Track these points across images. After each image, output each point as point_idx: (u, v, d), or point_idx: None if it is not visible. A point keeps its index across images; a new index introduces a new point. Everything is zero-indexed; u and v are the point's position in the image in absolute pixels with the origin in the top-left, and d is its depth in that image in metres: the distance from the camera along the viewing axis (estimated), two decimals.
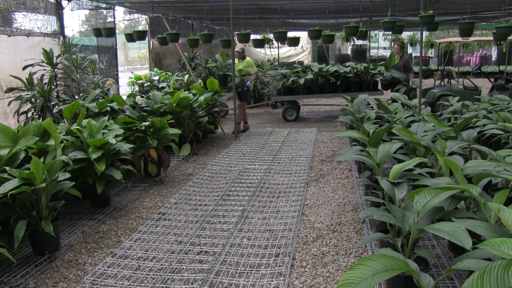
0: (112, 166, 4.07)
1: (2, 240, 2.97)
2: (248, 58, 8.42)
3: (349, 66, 9.39)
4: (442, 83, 9.94)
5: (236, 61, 8.03)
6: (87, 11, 10.17)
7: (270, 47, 12.17)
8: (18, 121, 5.36)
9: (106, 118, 4.46)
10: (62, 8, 7.18)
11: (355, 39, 15.98)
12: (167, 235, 3.60)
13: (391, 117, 5.23)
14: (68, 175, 3.41)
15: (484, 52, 22.97)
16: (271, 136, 7.62)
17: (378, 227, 3.14)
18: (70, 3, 7.42)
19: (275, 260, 3.12)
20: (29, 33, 6.32)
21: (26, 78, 5.56)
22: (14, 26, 6.18)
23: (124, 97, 6.23)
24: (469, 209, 2.86)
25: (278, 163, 5.81)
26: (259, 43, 9.00)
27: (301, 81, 8.70)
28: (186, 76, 9.31)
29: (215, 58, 10.79)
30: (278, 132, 8.05)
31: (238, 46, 8.48)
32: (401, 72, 8.62)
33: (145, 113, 5.41)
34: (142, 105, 5.84)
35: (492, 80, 10.48)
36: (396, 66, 8.79)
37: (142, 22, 14.83)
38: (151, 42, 11.03)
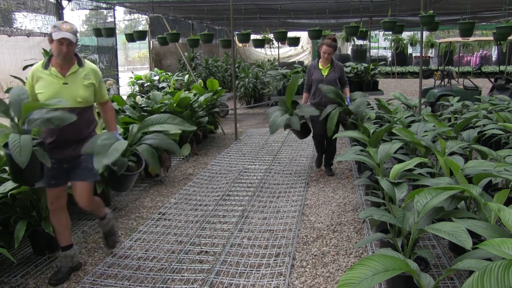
0: None
1: (2, 240, 2.97)
2: (90, 65, 2.97)
3: (349, 66, 9.41)
4: (442, 83, 9.94)
5: (51, 70, 2.79)
6: (87, 11, 10.19)
7: (270, 47, 12.20)
8: None
9: None
10: (62, 8, 7.18)
11: (355, 39, 16.02)
12: (167, 235, 3.60)
13: (391, 117, 5.23)
14: None
15: (484, 52, 22.99)
16: (271, 136, 7.62)
17: (378, 227, 3.14)
18: (70, 3, 7.43)
19: (275, 260, 3.12)
20: (29, 33, 6.32)
21: (27, 78, 5.55)
22: (14, 26, 6.18)
23: (124, 97, 6.22)
24: (469, 209, 2.85)
25: (278, 163, 5.81)
26: (259, 43, 9.00)
27: (301, 81, 8.69)
28: (186, 76, 9.32)
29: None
30: (278, 132, 8.05)
31: (62, 27, 2.70)
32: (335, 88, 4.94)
33: (146, 113, 5.41)
34: (142, 105, 5.84)
35: (492, 80, 10.48)
36: (328, 79, 4.99)
37: (142, 22, 14.85)
38: (151, 42, 11.04)
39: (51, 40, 2.73)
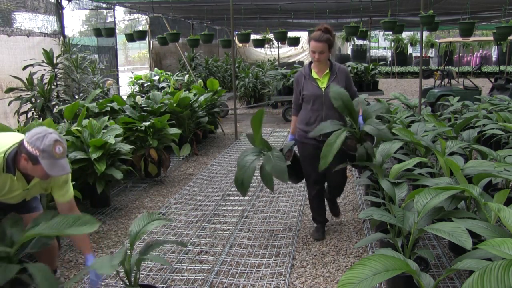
0: (112, 166, 4.07)
1: None
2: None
3: (349, 66, 9.41)
4: (442, 83, 9.94)
5: (18, 176, 2.26)
6: (87, 11, 10.19)
7: (270, 47, 12.20)
8: (18, 121, 5.35)
9: (106, 118, 4.46)
10: (62, 8, 7.18)
11: (355, 39, 16.01)
12: (167, 235, 3.59)
13: (391, 117, 5.23)
14: None
15: (484, 52, 22.98)
16: (272, 136, 7.62)
17: (378, 227, 3.14)
18: (70, 3, 7.42)
19: (276, 260, 3.12)
20: (29, 33, 6.32)
21: (26, 78, 5.55)
22: (14, 26, 6.18)
23: (124, 97, 6.22)
24: (469, 209, 2.85)
25: None
26: (259, 43, 9.00)
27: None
28: (186, 76, 9.31)
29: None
30: (278, 132, 8.05)
31: (55, 152, 2.10)
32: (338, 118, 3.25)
33: (145, 113, 5.41)
34: (142, 105, 5.84)
35: (492, 80, 10.47)
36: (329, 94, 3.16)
37: (142, 22, 14.87)
38: (151, 42, 11.04)
39: (33, 162, 2.08)
